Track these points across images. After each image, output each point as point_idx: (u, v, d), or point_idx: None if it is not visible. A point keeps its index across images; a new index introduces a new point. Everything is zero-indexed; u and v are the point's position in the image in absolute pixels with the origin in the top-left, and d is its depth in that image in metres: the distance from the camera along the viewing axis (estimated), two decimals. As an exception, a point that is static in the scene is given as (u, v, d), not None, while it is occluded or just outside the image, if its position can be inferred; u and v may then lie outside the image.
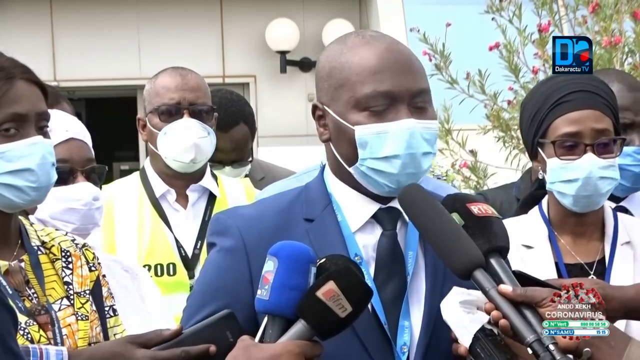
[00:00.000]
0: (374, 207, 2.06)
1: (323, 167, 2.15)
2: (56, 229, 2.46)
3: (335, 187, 2.10)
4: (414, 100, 2.02)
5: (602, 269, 2.69)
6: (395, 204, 2.06)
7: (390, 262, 2.03)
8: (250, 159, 4.10)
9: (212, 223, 2.12)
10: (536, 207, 2.81)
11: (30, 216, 2.60)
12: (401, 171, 2.00)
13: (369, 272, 2.02)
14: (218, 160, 3.85)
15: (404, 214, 2.06)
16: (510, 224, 2.76)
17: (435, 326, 2.01)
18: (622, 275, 2.64)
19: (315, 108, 2.10)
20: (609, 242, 2.72)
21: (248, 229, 2.04)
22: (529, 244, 2.73)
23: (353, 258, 2.01)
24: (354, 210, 2.07)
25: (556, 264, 2.70)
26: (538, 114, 2.68)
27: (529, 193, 2.87)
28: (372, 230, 2.06)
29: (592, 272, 2.68)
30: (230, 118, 3.94)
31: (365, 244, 2.05)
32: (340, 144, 2.05)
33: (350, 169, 2.05)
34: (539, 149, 2.70)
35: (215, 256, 2.07)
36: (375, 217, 2.07)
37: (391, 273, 2.02)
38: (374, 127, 2.00)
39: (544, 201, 2.79)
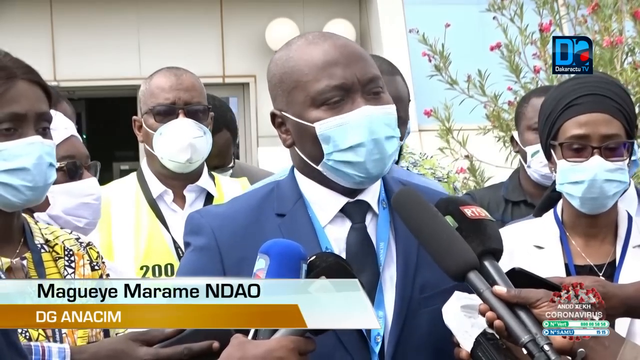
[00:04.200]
0: (342, 201, 2.10)
1: (293, 166, 2.18)
2: (66, 228, 2.46)
3: (304, 184, 2.13)
4: (367, 88, 2.05)
5: (612, 271, 2.70)
6: (364, 196, 2.11)
7: (360, 254, 2.07)
8: (231, 164, 4.12)
9: (186, 223, 2.15)
10: (552, 210, 2.82)
11: (41, 214, 2.61)
12: (367, 158, 2.03)
13: None
14: None
15: (372, 206, 2.11)
16: (524, 225, 2.81)
17: (408, 314, 2.04)
18: (631, 277, 2.63)
19: (274, 116, 2.13)
20: (620, 245, 2.73)
21: (220, 227, 2.08)
22: (540, 245, 2.75)
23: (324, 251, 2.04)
24: (322, 205, 2.11)
25: (566, 265, 2.71)
26: (550, 117, 2.71)
27: (546, 195, 2.89)
28: (342, 224, 2.10)
29: (601, 274, 2.69)
30: (213, 125, 3.95)
31: (336, 238, 2.09)
32: (304, 145, 2.09)
33: (319, 167, 2.08)
34: (552, 151, 2.71)
35: (190, 255, 2.11)
36: (344, 211, 2.10)
37: (363, 265, 2.04)
38: (333, 120, 2.03)
39: (560, 203, 2.81)
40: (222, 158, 4.06)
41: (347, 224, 2.10)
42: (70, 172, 2.68)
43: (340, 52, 2.06)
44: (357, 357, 2.02)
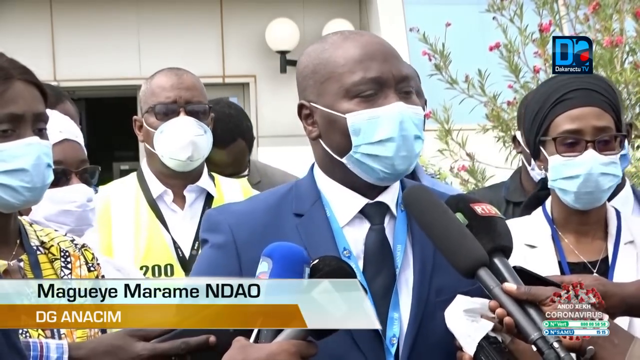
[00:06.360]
0: (361, 202, 2.10)
1: (312, 165, 2.18)
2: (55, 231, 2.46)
3: (324, 183, 2.13)
4: (400, 85, 2.07)
5: (605, 268, 2.70)
6: (383, 198, 2.11)
7: (378, 255, 2.07)
8: (246, 171, 4.12)
9: (204, 220, 2.16)
10: (540, 208, 2.82)
11: (24, 217, 2.60)
12: (396, 154, 2.04)
13: (358, 266, 2.06)
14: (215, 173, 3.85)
15: (391, 208, 2.11)
16: (514, 224, 2.78)
17: (424, 317, 2.04)
18: (625, 274, 2.65)
19: (301, 107, 2.13)
20: (612, 241, 2.73)
21: (238, 225, 2.08)
22: (532, 244, 2.74)
23: (342, 252, 2.05)
24: (341, 205, 2.10)
25: (559, 263, 2.71)
26: (540, 113, 2.71)
27: (533, 194, 2.89)
28: (360, 225, 2.10)
29: (595, 271, 2.69)
30: (228, 135, 3.95)
31: (355, 238, 2.09)
32: (331, 137, 2.08)
33: (343, 159, 2.08)
34: (541, 148, 2.71)
35: (207, 252, 2.12)
36: (363, 212, 2.10)
37: (380, 266, 2.05)
38: (366, 112, 2.04)
39: (548, 201, 2.81)
40: (237, 166, 4.07)
41: (366, 225, 2.10)
42: (54, 178, 2.65)
43: (377, 48, 2.08)
44: (373, 359, 2.02)
